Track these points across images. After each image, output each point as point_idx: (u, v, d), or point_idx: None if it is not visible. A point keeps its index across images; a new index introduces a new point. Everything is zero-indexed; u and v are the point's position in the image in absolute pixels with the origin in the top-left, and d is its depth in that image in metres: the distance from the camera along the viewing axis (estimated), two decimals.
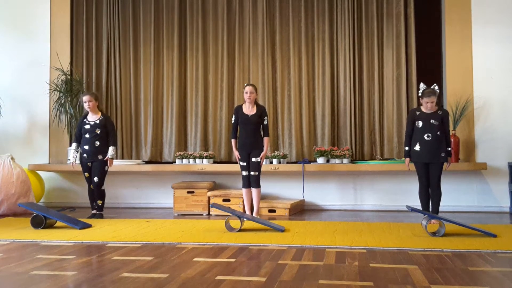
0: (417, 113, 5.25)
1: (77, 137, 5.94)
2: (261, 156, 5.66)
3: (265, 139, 5.75)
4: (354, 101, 6.84)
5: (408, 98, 6.73)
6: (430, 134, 5.12)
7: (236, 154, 5.75)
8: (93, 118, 5.89)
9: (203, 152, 6.84)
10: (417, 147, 5.19)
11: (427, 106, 5.16)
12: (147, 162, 7.24)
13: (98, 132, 5.82)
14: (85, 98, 5.85)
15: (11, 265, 3.39)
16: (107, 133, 5.88)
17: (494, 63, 6.48)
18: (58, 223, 5.17)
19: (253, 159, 5.66)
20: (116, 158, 6.99)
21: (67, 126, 7.21)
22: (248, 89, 5.71)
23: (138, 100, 7.45)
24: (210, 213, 6.41)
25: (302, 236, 4.38)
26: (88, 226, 5.07)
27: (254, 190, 5.72)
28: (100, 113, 5.94)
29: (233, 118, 5.81)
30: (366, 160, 6.72)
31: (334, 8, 6.99)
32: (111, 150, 5.85)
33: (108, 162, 5.84)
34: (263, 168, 5.85)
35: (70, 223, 4.98)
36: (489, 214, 6.19)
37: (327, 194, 6.80)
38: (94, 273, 3.13)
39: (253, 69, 7.15)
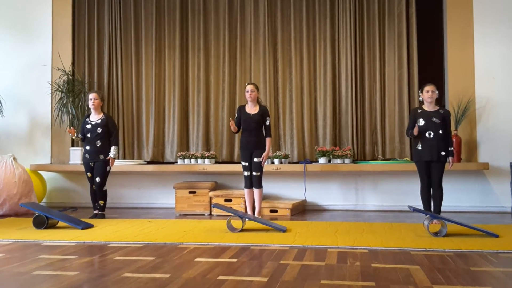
0: (419, 111, 5.26)
1: (81, 135, 5.98)
2: (263, 156, 5.67)
3: (267, 140, 5.75)
4: (356, 101, 6.84)
5: (410, 98, 6.73)
6: (431, 132, 5.12)
7: (231, 123, 5.65)
8: (95, 118, 5.92)
9: (205, 152, 6.84)
10: (419, 146, 5.19)
11: (428, 95, 5.16)
12: (148, 162, 7.24)
13: (99, 131, 5.84)
14: (91, 95, 5.93)
15: (13, 265, 3.40)
16: (108, 132, 5.90)
17: (496, 63, 6.47)
18: (60, 223, 5.18)
19: (255, 159, 5.66)
20: (118, 158, 7.01)
21: (69, 127, 7.21)
22: (249, 87, 5.74)
23: (139, 100, 7.45)
24: (212, 213, 6.41)
25: (304, 236, 4.38)
26: (90, 226, 5.07)
27: (255, 190, 5.72)
28: (102, 113, 5.97)
29: (236, 116, 5.82)
30: (368, 160, 6.71)
31: (335, 8, 6.99)
32: (113, 149, 5.86)
33: (110, 161, 5.86)
34: (265, 168, 5.85)
35: (72, 223, 4.99)
36: (491, 214, 6.18)
37: (328, 194, 6.79)
38: (96, 273, 3.13)
39: (255, 69, 7.15)
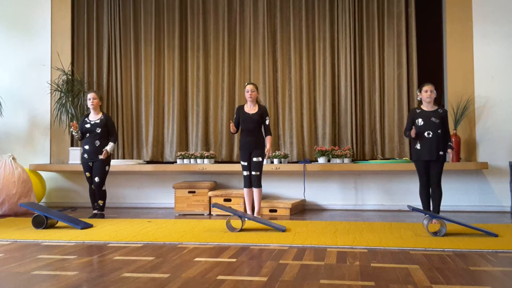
0: (418, 111, 5.26)
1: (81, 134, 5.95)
2: (266, 150, 5.66)
3: (268, 138, 5.75)
4: (355, 101, 6.84)
5: (409, 97, 6.73)
6: (430, 132, 5.12)
7: (231, 125, 5.66)
8: (94, 117, 5.91)
9: (204, 152, 6.84)
10: (417, 146, 5.19)
11: (426, 95, 5.16)
12: (148, 162, 7.24)
13: (98, 131, 5.83)
14: (90, 95, 5.92)
15: (13, 265, 3.40)
16: (107, 132, 5.90)
17: (495, 62, 6.47)
18: (59, 223, 5.18)
19: (254, 159, 5.66)
20: (117, 158, 7.00)
21: (68, 126, 7.21)
22: (249, 87, 5.73)
23: (139, 100, 7.45)
24: (211, 213, 6.41)
25: (303, 236, 4.38)
26: (89, 226, 5.07)
27: (255, 190, 5.72)
28: (101, 113, 5.97)
29: (234, 116, 5.82)
30: (367, 160, 6.72)
31: (334, 8, 6.99)
32: (110, 144, 5.83)
33: (103, 154, 5.75)
34: (264, 168, 5.85)
35: (71, 223, 4.99)
36: (490, 213, 6.18)
37: (328, 194, 6.80)
38: (95, 273, 3.13)
39: (254, 69, 7.15)
